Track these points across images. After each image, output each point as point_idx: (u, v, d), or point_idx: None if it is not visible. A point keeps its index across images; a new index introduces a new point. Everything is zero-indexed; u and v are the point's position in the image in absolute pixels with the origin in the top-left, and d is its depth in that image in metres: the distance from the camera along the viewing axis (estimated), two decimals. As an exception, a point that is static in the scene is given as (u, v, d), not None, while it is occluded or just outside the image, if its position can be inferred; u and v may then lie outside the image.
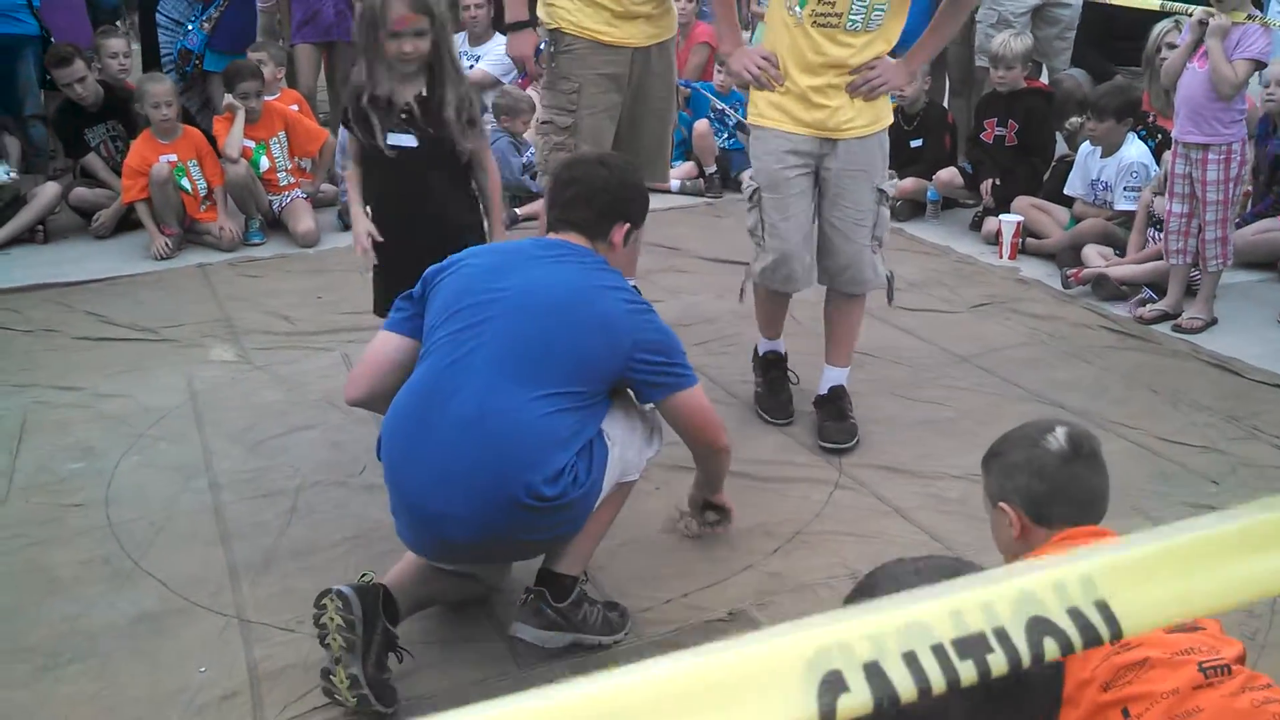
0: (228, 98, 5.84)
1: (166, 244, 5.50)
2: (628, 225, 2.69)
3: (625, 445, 2.57)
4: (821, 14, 3.26)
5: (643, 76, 4.02)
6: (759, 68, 3.39)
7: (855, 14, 3.25)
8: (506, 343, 2.41)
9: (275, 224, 5.88)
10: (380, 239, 3.38)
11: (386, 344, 2.65)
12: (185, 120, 5.89)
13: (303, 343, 4.50)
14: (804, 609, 2.78)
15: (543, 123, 4.12)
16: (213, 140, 5.85)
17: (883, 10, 3.28)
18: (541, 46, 4.10)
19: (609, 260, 2.64)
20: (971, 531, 3.08)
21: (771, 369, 3.86)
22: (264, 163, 5.87)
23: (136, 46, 7.10)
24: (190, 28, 6.54)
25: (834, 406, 3.69)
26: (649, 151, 4.21)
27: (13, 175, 5.68)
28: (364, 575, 2.57)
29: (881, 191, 3.52)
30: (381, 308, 3.35)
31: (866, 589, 1.10)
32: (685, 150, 6.65)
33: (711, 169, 6.53)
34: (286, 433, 3.74)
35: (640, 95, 4.06)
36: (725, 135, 6.63)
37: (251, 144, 5.85)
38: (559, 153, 4.01)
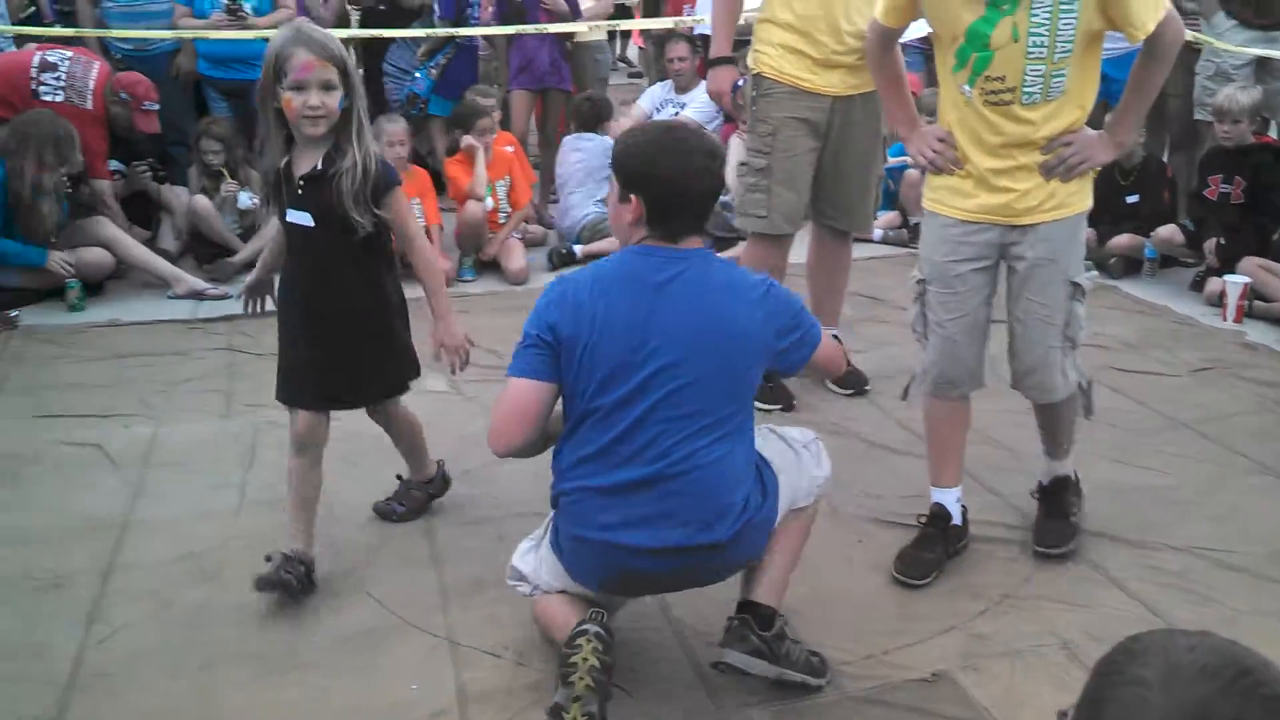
0: (466, 138, 6.11)
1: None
2: None
3: (789, 471, 2.65)
4: (992, 91, 2.86)
5: (844, 125, 4.03)
6: (935, 151, 3.02)
7: (1031, 86, 2.82)
8: (675, 400, 2.44)
9: (486, 262, 6.10)
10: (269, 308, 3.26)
11: (530, 392, 2.52)
12: (413, 161, 6.20)
13: (510, 377, 4.63)
14: (1013, 676, 2.70)
15: (740, 163, 4.21)
16: (436, 181, 6.14)
17: (1063, 76, 2.82)
18: (739, 84, 4.16)
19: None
20: (1192, 608, 2.93)
21: (933, 522, 3.22)
22: (489, 202, 6.12)
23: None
24: (418, 75, 6.89)
25: (1055, 501, 3.32)
26: (850, 201, 4.21)
27: (255, 200, 6.08)
28: (594, 612, 2.54)
29: (1075, 285, 3.04)
30: (282, 394, 3.15)
31: (1136, 654, 1.04)
32: (891, 199, 6.61)
33: (917, 219, 6.44)
34: (492, 463, 3.83)
35: (842, 144, 4.07)
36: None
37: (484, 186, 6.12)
38: (754, 194, 4.08)
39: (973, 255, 3.04)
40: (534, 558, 2.76)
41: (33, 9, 7.17)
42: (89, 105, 5.79)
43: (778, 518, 2.61)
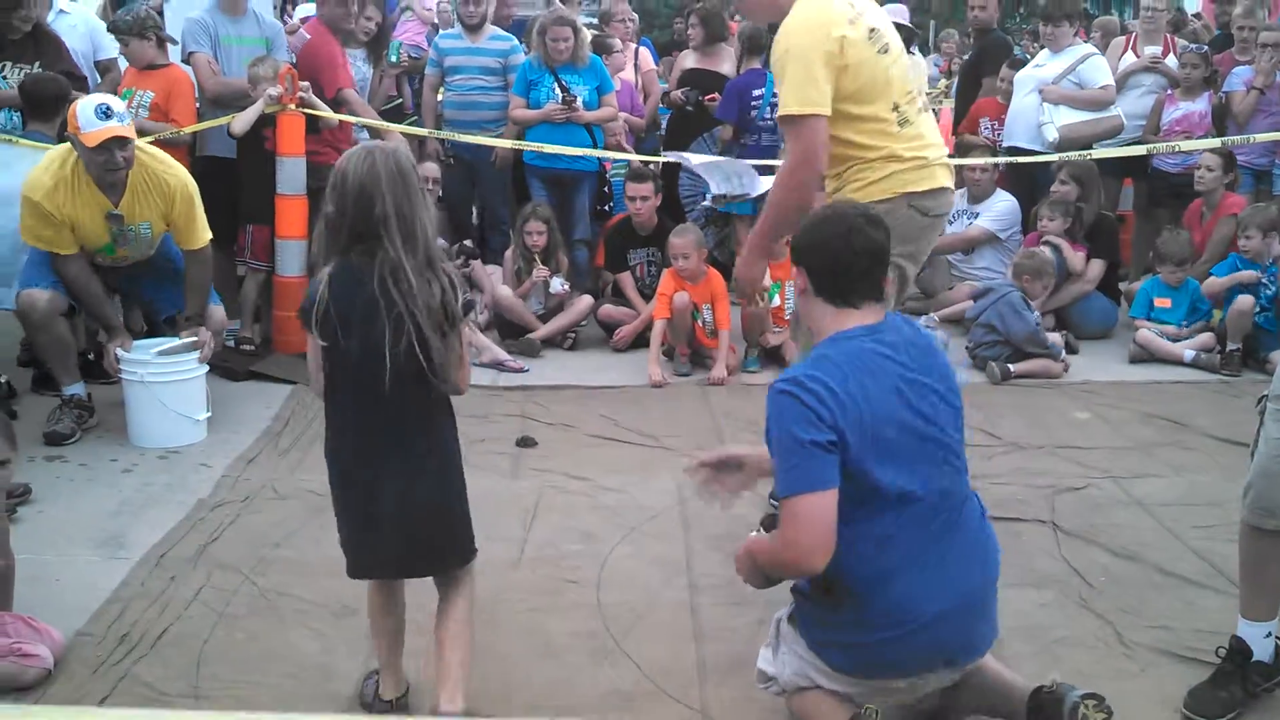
0: None
1: (682, 359, 5.98)
2: None
3: None
4: None
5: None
6: None
7: None
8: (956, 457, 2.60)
9: (771, 355, 6.17)
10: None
11: (832, 504, 2.43)
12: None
13: (786, 467, 4.65)
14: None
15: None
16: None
17: None
18: None
19: None
20: None
21: (1231, 657, 2.95)
22: (775, 300, 6.21)
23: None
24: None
25: None
26: None
27: (565, 286, 6.43)
28: (869, 709, 2.54)
29: None
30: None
31: None
32: (1201, 319, 6.27)
33: (1235, 345, 6.02)
34: (762, 548, 3.88)
35: None
36: (1258, 310, 6.08)
37: (770, 283, 6.21)
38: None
39: None
40: (776, 660, 2.76)
41: (399, 100, 7.86)
42: None
43: None
